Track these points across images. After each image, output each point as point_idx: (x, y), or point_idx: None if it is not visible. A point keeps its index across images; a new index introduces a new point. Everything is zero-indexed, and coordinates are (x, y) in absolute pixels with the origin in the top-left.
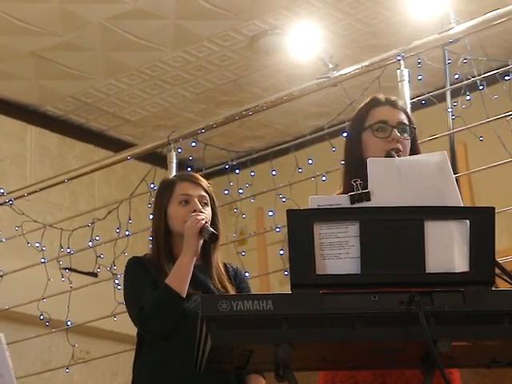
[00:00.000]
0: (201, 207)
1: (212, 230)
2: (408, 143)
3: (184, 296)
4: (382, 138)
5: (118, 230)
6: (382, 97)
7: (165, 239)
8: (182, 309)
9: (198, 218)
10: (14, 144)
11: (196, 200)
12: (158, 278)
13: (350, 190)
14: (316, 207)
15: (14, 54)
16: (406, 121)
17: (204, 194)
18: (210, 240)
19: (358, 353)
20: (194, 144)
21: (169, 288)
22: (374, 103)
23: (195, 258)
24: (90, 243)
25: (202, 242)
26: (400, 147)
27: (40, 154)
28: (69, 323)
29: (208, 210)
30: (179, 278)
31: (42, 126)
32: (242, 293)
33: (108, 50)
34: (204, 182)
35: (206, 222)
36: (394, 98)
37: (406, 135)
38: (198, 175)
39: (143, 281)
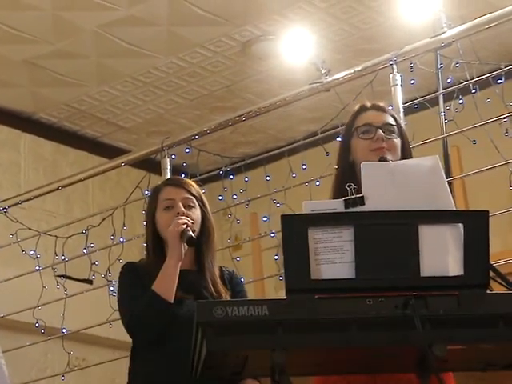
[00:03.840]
0: (184, 210)
1: (190, 233)
2: (396, 144)
3: (171, 301)
4: (367, 138)
5: (112, 237)
6: (368, 103)
7: (154, 245)
8: (173, 314)
9: (179, 221)
10: (7, 152)
11: (180, 204)
12: (149, 283)
13: (339, 196)
14: (310, 212)
15: (6, 62)
16: (392, 122)
17: (188, 196)
18: (188, 244)
19: (354, 357)
20: (187, 150)
21: (155, 294)
22: (361, 110)
23: (180, 262)
24: (85, 250)
25: (186, 245)
26: (385, 146)
27: (34, 162)
28: (64, 330)
29: (195, 212)
30: (165, 282)
31: (35, 134)
32: (237, 296)
33: (101, 57)
34: (188, 185)
35: (187, 226)
36: (381, 104)
37: (393, 135)
38: (183, 178)
39: (134, 287)
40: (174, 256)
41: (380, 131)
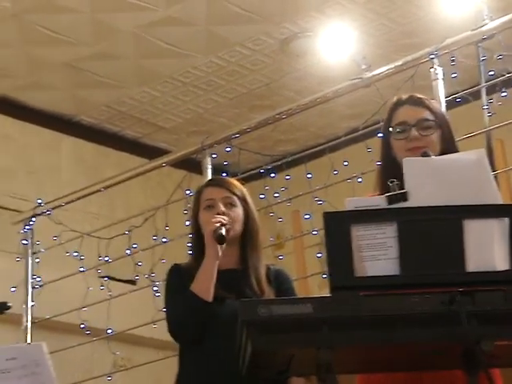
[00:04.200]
0: (223, 210)
1: (221, 231)
2: (433, 140)
3: (209, 300)
4: (402, 139)
5: (155, 237)
6: (404, 97)
7: (198, 246)
8: (213, 313)
9: (213, 220)
10: (49, 154)
11: (220, 203)
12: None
13: (386, 191)
14: (353, 209)
15: (47, 65)
16: (429, 117)
17: (229, 195)
18: (218, 242)
19: (399, 355)
20: (228, 149)
21: (192, 293)
22: (397, 104)
23: (217, 261)
24: (128, 251)
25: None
26: (421, 144)
27: (75, 164)
28: (109, 331)
29: (235, 211)
30: (202, 282)
31: (76, 136)
32: (284, 294)
33: (140, 58)
34: (230, 184)
35: (221, 224)
36: (417, 96)
37: (429, 131)
38: (224, 178)
39: (177, 289)
40: (209, 255)
41: (414, 130)
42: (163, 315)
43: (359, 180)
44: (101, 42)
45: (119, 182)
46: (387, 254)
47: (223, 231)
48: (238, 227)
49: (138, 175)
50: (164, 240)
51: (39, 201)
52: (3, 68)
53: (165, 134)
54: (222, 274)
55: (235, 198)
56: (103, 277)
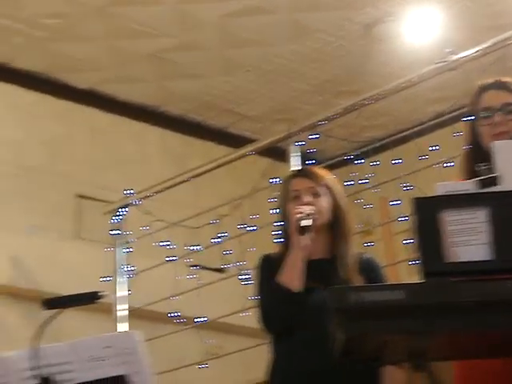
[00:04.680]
0: (307, 200)
1: (301, 222)
2: None
3: (296, 290)
4: (487, 124)
5: (242, 226)
6: (488, 81)
7: (287, 236)
8: (303, 302)
9: (296, 211)
10: (136, 145)
11: (305, 194)
12: None
13: (472, 176)
14: (444, 194)
15: (133, 57)
16: None
17: (314, 185)
18: (299, 233)
19: (494, 341)
20: (313, 136)
21: (278, 284)
22: (481, 89)
23: (302, 251)
24: (216, 240)
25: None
26: (505, 129)
27: (162, 154)
28: (199, 320)
29: (320, 201)
30: (287, 273)
31: (162, 126)
32: (374, 282)
33: (224, 48)
34: (315, 174)
35: (309, 215)
36: (502, 80)
37: None
38: (310, 168)
39: (266, 281)
40: (293, 246)
41: (499, 115)
42: (253, 303)
43: (447, 165)
44: (185, 32)
45: (206, 172)
46: (479, 239)
47: (304, 222)
48: (325, 216)
49: (224, 164)
50: (251, 228)
51: (128, 191)
52: (90, 61)
53: (249, 123)
54: (311, 263)
55: (321, 187)
56: (193, 266)
